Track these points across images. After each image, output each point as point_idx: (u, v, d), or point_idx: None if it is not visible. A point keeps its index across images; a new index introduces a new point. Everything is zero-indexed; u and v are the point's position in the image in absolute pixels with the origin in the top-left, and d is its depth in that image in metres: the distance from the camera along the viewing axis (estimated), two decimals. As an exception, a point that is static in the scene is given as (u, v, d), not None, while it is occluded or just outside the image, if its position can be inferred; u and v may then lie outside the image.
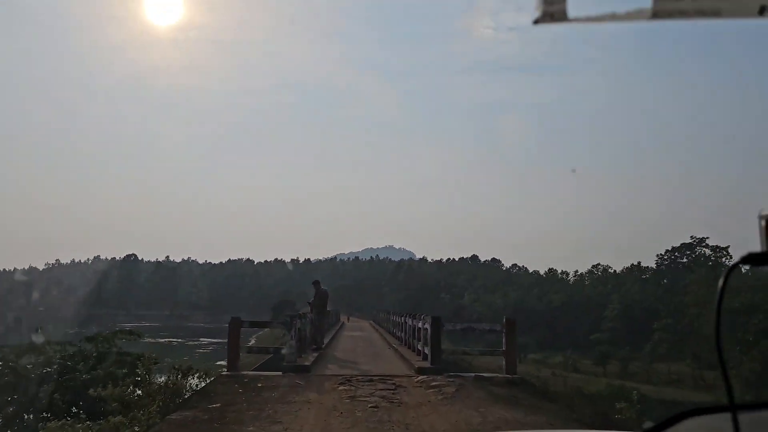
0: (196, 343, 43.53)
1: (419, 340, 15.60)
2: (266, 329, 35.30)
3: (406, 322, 20.11)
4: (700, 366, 52.44)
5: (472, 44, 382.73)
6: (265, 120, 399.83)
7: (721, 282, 0.75)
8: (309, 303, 18.20)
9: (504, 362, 12.31)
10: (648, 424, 0.98)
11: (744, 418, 0.78)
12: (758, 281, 50.41)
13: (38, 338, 15.73)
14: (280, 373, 12.40)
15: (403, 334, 21.54)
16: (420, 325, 15.24)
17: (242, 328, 13.36)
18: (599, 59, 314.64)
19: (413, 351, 16.99)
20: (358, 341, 26.49)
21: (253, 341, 43.78)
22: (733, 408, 0.66)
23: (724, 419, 0.74)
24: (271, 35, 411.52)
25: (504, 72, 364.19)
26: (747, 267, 0.81)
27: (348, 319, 64.51)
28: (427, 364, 12.91)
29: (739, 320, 48.39)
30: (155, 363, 12.09)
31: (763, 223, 0.78)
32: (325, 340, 20.36)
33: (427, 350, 13.63)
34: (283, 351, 13.62)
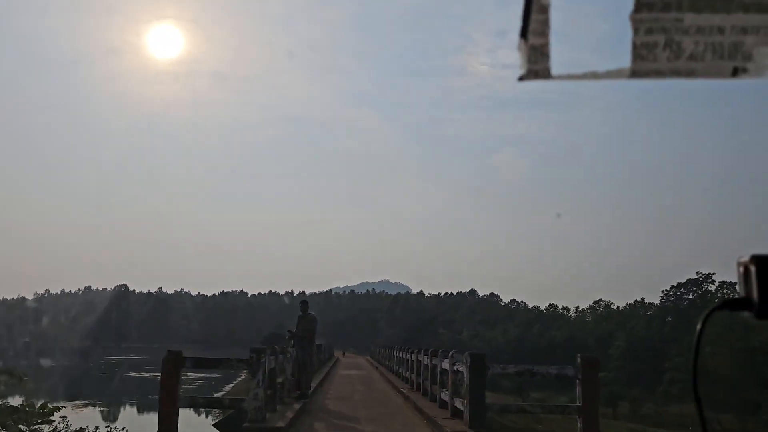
0: (183, 377, 40.43)
1: (443, 386, 11.72)
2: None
3: (420, 361, 15.73)
4: (713, 408, 49.72)
5: (468, 81, 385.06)
6: (261, 153, 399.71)
7: (698, 326, 0.76)
8: (290, 332, 13.56)
9: (580, 424, 8.32)
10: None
11: None
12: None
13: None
14: None
15: (412, 375, 17.62)
16: (446, 365, 11.08)
17: (211, 370, 10.46)
18: (599, 96, 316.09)
19: (432, 400, 13.00)
20: (355, 383, 21.73)
21: (230, 387, 34.74)
22: None
23: None
24: (267, 69, 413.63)
25: (500, 108, 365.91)
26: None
27: (343, 354, 61.56)
28: (462, 427, 8.92)
29: (757, 359, 45.99)
30: (45, 414, 8.75)
31: (741, 269, 0.77)
32: (313, 384, 15.94)
33: (459, 403, 9.77)
34: (245, 405, 9.38)
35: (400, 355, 22.68)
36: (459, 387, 10.09)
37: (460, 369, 9.59)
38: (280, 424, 9.46)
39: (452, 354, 10.68)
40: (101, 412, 33.20)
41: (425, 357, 14.63)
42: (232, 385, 35.31)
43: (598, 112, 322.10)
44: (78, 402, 35.51)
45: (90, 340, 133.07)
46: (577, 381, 8.47)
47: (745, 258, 0.77)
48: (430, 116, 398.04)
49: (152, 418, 8.85)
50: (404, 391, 16.10)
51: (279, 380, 11.51)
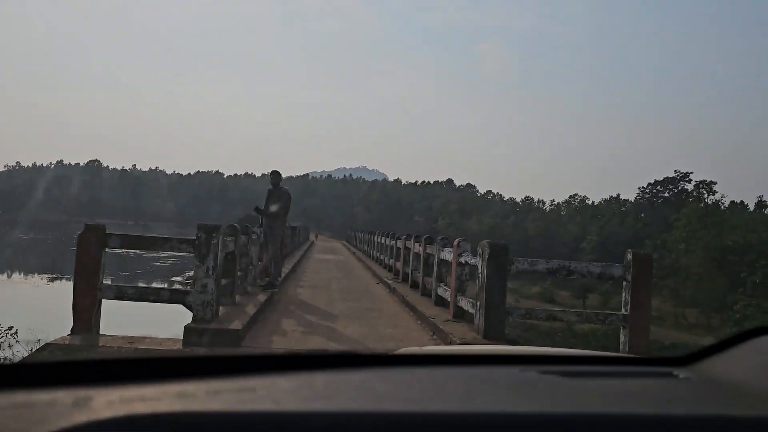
0: (155, 255, 39.84)
1: (440, 280, 10.09)
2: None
3: (408, 248, 14.00)
4: (681, 304, 50.76)
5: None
6: (242, 32, 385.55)
7: None
8: (258, 209, 11.40)
9: (626, 338, 7.01)
10: (709, 341, 0.90)
11: None
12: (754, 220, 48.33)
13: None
14: (179, 342, 6.75)
15: (397, 263, 16.14)
16: (447, 256, 9.43)
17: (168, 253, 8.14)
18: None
19: (424, 295, 11.25)
20: (332, 270, 19.77)
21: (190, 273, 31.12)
22: None
23: None
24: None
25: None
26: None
27: (316, 237, 61.16)
28: (474, 335, 7.16)
29: (730, 259, 46.48)
30: None
31: None
32: (285, 270, 14.04)
33: (466, 304, 8.16)
34: (188, 299, 7.32)
35: (382, 241, 21.19)
36: (464, 283, 8.73)
37: (470, 261, 8.10)
38: (236, 324, 7.35)
39: (459, 242, 8.90)
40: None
41: (416, 244, 12.99)
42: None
43: (583, 3, 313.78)
44: (49, 275, 34.86)
45: (63, 214, 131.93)
46: (625, 283, 7.13)
47: None
48: (414, 2, 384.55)
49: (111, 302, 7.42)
50: (389, 282, 14.65)
51: (241, 266, 9.77)
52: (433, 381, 0.72)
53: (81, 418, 0.55)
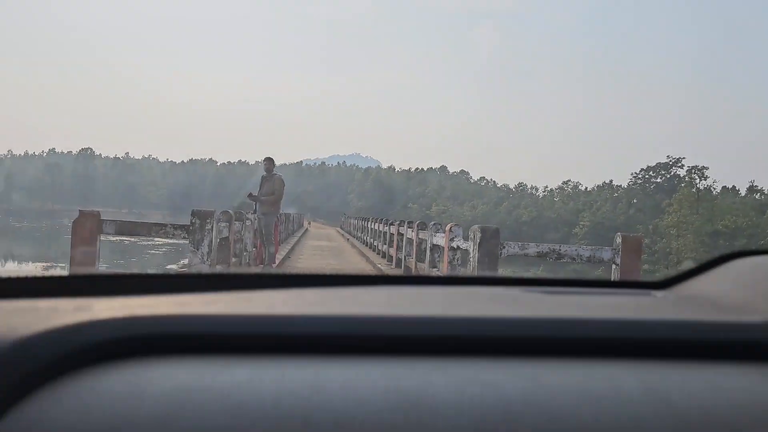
0: (149, 242, 39.80)
1: (432, 265, 10.28)
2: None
3: (401, 234, 14.15)
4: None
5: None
6: (233, 18, 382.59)
7: None
8: (251, 196, 11.55)
9: None
10: (689, 264, 0.91)
11: None
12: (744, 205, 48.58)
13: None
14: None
15: (390, 249, 16.28)
16: (440, 241, 9.58)
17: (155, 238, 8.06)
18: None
19: None
20: (327, 257, 19.87)
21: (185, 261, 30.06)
22: None
23: None
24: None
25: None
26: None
27: (309, 223, 61.15)
28: None
29: (720, 242, 46.85)
30: None
31: None
32: (279, 257, 14.16)
33: None
34: None
35: (376, 227, 21.10)
36: (456, 267, 8.88)
37: (463, 246, 8.14)
38: None
39: (451, 227, 9.01)
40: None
41: (409, 230, 13.18)
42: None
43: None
44: (43, 264, 34.93)
45: (56, 202, 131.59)
46: (614, 266, 7.24)
47: None
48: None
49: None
50: (382, 267, 14.84)
51: (235, 253, 9.79)
52: (419, 295, 0.79)
53: (83, 317, 0.59)
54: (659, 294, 0.86)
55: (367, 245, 24.37)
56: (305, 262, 16.89)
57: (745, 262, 0.86)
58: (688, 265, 0.87)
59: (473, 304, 0.75)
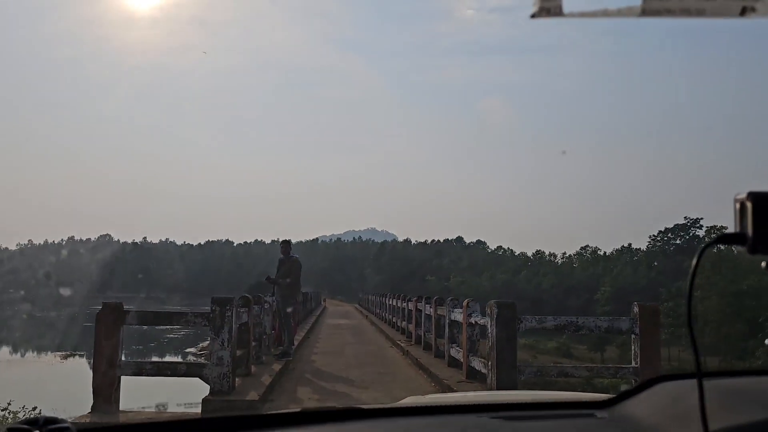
0: (167, 327, 39.64)
1: (452, 341, 10.19)
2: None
3: (420, 310, 13.93)
4: (702, 351, 49.96)
5: (454, 25, 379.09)
6: (243, 101, 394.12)
7: (694, 261, 0.82)
8: (269, 279, 11.58)
9: None
10: (625, 387, 0.99)
11: (709, 384, 0.87)
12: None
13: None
14: (197, 415, 6.22)
15: (409, 326, 15.98)
16: (458, 317, 9.41)
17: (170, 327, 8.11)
18: (581, 42, 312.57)
19: (437, 356, 11.35)
20: (345, 335, 19.87)
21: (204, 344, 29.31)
22: (699, 375, 0.78)
23: (692, 385, 0.85)
24: (250, 13, 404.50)
25: (486, 53, 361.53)
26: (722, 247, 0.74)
27: (325, 300, 60.82)
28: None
29: (746, 303, 45.92)
30: None
31: (738, 205, 0.83)
32: (298, 338, 14.29)
33: (478, 364, 8.18)
34: (205, 372, 7.42)
35: (394, 303, 20.97)
36: (475, 343, 8.74)
37: (479, 321, 8.16)
38: (253, 395, 7.47)
39: (468, 302, 8.91)
40: (87, 361, 32.38)
41: (427, 306, 13.03)
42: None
43: (584, 57, 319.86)
44: (62, 352, 34.79)
45: (74, 290, 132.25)
46: (633, 336, 7.20)
47: (743, 195, 0.81)
48: (415, 62, 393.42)
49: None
50: (402, 344, 14.64)
51: (255, 336, 9.90)
52: (408, 428, 0.90)
53: None
54: (599, 414, 0.98)
55: (385, 321, 24.10)
56: (324, 342, 16.74)
57: (666, 386, 0.98)
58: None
59: None
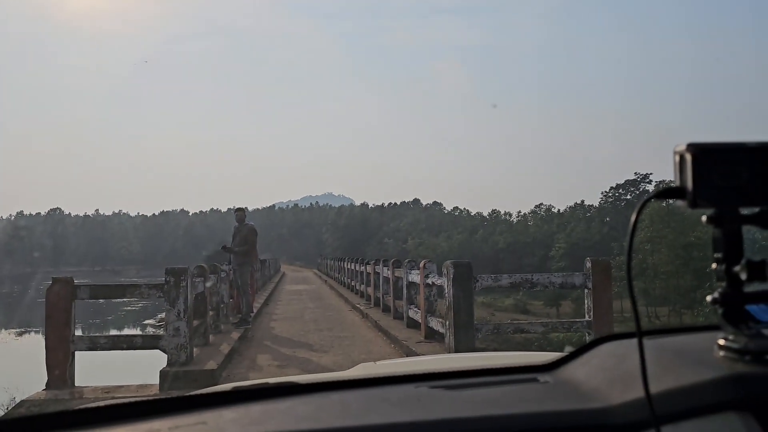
0: (125, 300, 39.05)
1: (410, 302, 10.25)
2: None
3: (378, 273, 14.06)
4: (652, 303, 51.56)
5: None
6: (194, 67, 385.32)
7: (634, 216, 0.78)
8: (225, 248, 11.60)
9: None
10: (569, 348, 1.05)
11: (653, 343, 0.88)
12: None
13: None
14: (155, 387, 6.82)
15: (368, 289, 16.11)
16: (415, 278, 9.59)
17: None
18: (534, 2, 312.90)
19: (396, 318, 11.43)
20: (305, 300, 19.74)
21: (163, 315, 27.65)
22: (639, 335, 0.76)
23: (635, 345, 0.83)
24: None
25: (437, 15, 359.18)
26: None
27: (282, 267, 60.63)
28: (446, 354, 6.62)
29: (696, 254, 47.30)
30: None
31: (677, 158, 0.78)
32: (257, 305, 14.43)
33: (436, 323, 8.31)
34: (162, 343, 7.39)
35: (352, 267, 21.10)
36: (433, 304, 8.87)
37: (437, 282, 8.28)
38: (211, 364, 7.48)
39: (425, 263, 9.03)
40: (43, 338, 31.75)
41: (384, 268, 13.09)
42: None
43: (533, 18, 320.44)
44: (17, 330, 34.11)
45: (27, 266, 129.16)
46: (587, 291, 7.39)
47: (682, 147, 0.76)
48: (364, 25, 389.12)
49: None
50: (361, 308, 14.74)
51: (212, 306, 9.91)
52: (342, 402, 0.89)
53: None
54: (542, 378, 0.97)
55: (344, 285, 24.19)
56: (284, 308, 16.76)
57: (608, 347, 0.96)
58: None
59: (383, 410, 0.85)
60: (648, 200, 0.78)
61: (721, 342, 0.80)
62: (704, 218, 0.79)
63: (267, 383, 1.05)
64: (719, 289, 0.78)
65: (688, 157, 0.76)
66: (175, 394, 1.00)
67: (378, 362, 1.84)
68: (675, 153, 0.78)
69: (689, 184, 0.76)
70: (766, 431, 0.66)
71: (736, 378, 0.72)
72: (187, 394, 0.96)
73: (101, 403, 0.90)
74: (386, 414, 0.83)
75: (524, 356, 1.56)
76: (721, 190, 0.75)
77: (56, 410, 0.94)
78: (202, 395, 0.95)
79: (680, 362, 0.80)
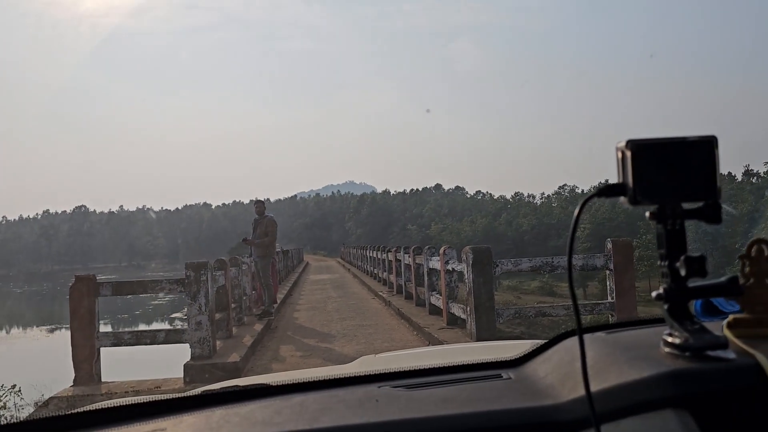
0: (151, 294, 39.34)
1: (432, 288, 10.10)
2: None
3: (399, 260, 13.98)
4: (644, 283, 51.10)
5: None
6: (215, 59, 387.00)
7: (576, 212, 0.77)
8: (246, 240, 11.59)
9: None
10: (538, 342, 1.06)
11: (608, 338, 0.91)
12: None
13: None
14: (179, 380, 6.85)
15: (390, 276, 16.10)
16: (436, 264, 9.41)
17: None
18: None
19: (419, 305, 11.35)
20: (328, 289, 19.66)
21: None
22: (580, 332, 0.77)
23: (592, 340, 0.88)
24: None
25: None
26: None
27: (306, 256, 60.74)
28: (467, 340, 7.19)
29: (723, 230, 46.68)
30: None
31: (619, 154, 0.78)
32: (280, 296, 14.21)
33: (457, 310, 8.22)
34: (185, 337, 7.42)
35: (374, 255, 21.05)
36: (454, 290, 8.75)
37: (457, 268, 8.15)
38: (234, 357, 7.43)
39: (444, 249, 8.85)
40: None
41: (405, 255, 12.99)
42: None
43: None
44: (47, 327, 34.64)
45: (55, 263, 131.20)
46: (608, 272, 7.28)
47: (622, 143, 0.76)
48: (380, 9, 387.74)
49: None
50: (384, 295, 14.78)
51: (234, 298, 9.92)
52: (302, 405, 0.87)
53: None
54: (505, 375, 0.96)
55: (367, 273, 24.24)
56: (307, 298, 16.77)
57: (568, 344, 0.95)
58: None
59: (339, 412, 0.84)
60: (589, 198, 0.77)
61: (667, 338, 0.79)
62: (647, 214, 0.78)
63: (236, 386, 1.02)
64: (663, 285, 0.78)
65: (628, 153, 0.75)
66: (146, 399, 0.96)
67: (377, 355, 1.79)
68: (617, 149, 0.77)
69: (630, 180, 0.75)
70: (702, 428, 0.67)
71: (674, 375, 0.72)
72: (151, 399, 0.95)
73: (49, 415, 0.90)
74: (340, 416, 0.82)
75: (522, 345, 1.51)
76: (662, 186, 0.75)
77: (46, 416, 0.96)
78: (165, 401, 0.95)
79: (626, 358, 0.80)
